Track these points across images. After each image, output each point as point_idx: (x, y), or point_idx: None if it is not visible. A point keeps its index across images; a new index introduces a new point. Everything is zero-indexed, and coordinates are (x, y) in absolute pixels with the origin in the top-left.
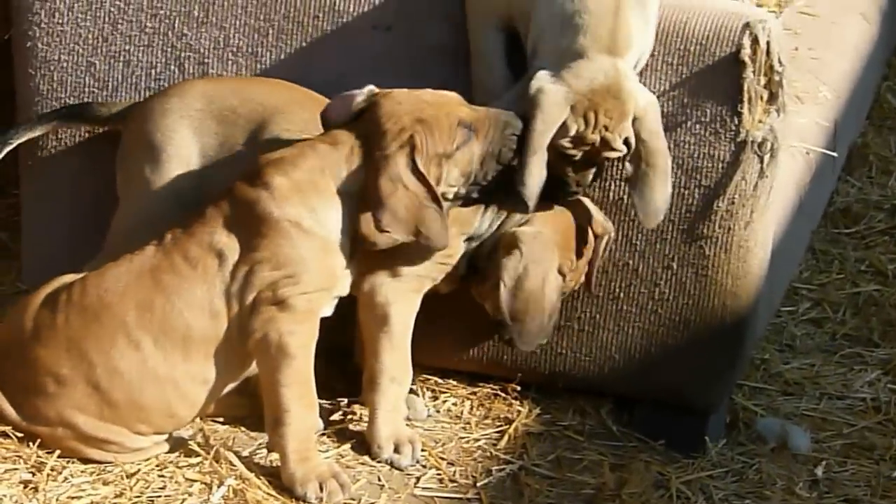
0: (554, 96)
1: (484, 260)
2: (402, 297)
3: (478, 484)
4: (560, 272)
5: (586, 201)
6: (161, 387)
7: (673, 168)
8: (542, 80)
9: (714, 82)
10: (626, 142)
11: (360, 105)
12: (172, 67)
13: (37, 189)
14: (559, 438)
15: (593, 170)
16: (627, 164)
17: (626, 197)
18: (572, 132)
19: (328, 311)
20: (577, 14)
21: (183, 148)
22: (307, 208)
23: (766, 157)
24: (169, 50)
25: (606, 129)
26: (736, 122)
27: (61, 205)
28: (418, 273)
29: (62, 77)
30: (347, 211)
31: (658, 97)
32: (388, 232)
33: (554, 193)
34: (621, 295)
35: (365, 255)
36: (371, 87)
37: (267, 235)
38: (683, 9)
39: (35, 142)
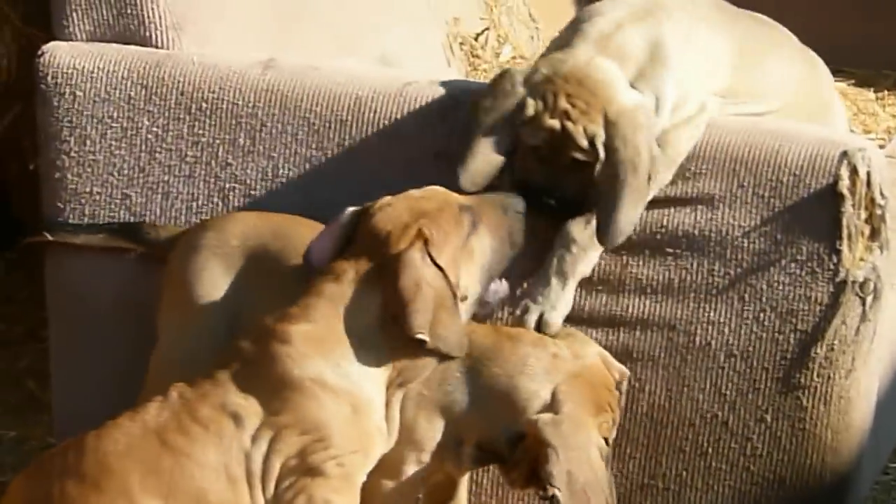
0: (512, 75)
1: (503, 447)
2: None
3: None
4: (603, 437)
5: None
6: None
7: (766, 311)
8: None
9: (810, 217)
10: (593, 143)
11: (346, 229)
12: (216, 200)
13: (68, 333)
14: None
15: (566, 181)
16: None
17: (712, 342)
18: (529, 111)
19: None
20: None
21: (214, 287)
22: (329, 363)
23: (869, 299)
24: (212, 181)
25: (568, 116)
26: (835, 260)
27: (95, 350)
28: None
29: (94, 210)
30: (374, 351)
31: (748, 233)
32: (421, 334)
33: (531, 207)
34: (710, 450)
35: None
36: (350, 209)
37: (289, 398)
38: (775, 135)
39: (64, 282)
